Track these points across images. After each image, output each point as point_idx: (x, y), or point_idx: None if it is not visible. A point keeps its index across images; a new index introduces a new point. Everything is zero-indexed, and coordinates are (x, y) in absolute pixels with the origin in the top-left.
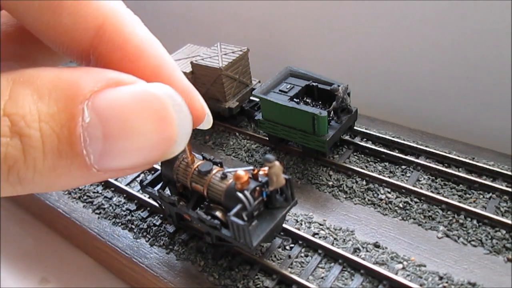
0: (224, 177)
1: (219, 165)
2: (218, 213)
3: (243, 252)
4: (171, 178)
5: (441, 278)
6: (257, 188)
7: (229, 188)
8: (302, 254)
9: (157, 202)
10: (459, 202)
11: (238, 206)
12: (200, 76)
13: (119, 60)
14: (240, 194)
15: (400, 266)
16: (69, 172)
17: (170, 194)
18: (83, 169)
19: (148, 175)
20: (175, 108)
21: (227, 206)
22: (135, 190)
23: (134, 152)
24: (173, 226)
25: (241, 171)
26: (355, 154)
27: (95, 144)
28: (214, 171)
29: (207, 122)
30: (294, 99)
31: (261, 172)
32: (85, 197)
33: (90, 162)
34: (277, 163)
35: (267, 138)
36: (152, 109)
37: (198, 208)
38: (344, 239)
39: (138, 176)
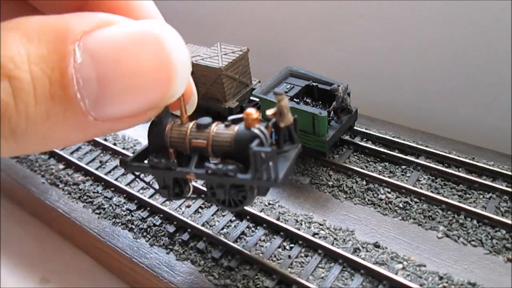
0: (229, 124)
1: None
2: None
3: (243, 252)
4: (162, 145)
5: (441, 278)
6: (269, 125)
7: (239, 131)
8: (302, 254)
9: (148, 184)
10: (459, 202)
11: (256, 142)
12: (200, 76)
13: (109, 10)
14: (254, 129)
15: (400, 266)
16: (64, 121)
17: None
18: (79, 117)
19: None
20: (172, 44)
21: (238, 152)
22: (135, 190)
23: (131, 93)
24: (173, 226)
25: (250, 109)
26: (355, 154)
27: (89, 86)
28: (215, 124)
29: (191, 105)
30: (294, 99)
31: (268, 112)
32: (85, 197)
33: (85, 107)
34: (285, 97)
35: None
36: (148, 45)
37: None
38: (344, 239)
39: (138, 176)
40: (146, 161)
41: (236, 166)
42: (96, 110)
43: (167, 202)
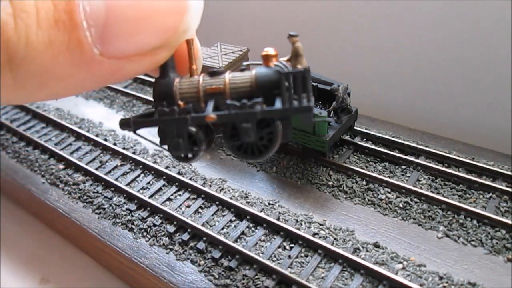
0: (244, 69)
1: None
2: None
3: (243, 252)
4: (169, 99)
5: (441, 278)
6: (289, 63)
7: (259, 70)
8: (302, 254)
9: (154, 142)
10: (459, 202)
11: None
12: None
13: None
14: (277, 63)
15: (400, 266)
16: (67, 51)
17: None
18: (84, 49)
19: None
20: None
21: (260, 92)
22: (135, 190)
23: (141, 24)
24: (173, 226)
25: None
26: (355, 154)
27: (96, 14)
28: (228, 71)
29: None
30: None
31: (283, 58)
32: (85, 197)
33: (91, 39)
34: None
35: None
36: None
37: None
38: (344, 239)
39: (138, 176)
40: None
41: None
42: (103, 42)
43: (167, 202)
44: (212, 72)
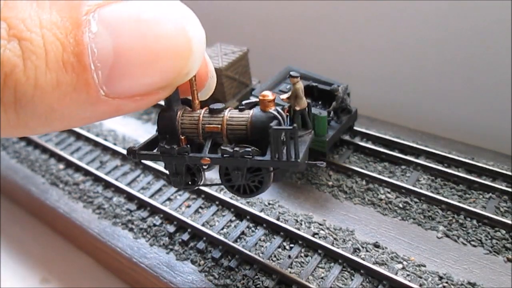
0: (243, 109)
1: None
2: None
3: (243, 252)
4: (172, 132)
5: (441, 278)
6: (285, 107)
7: (255, 114)
8: (302, 254)
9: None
10: (459, 202)
11: (274, 122)
12: None
13: None
14: (271, 110)
15: (400, 266)
16: (74, 92)
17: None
18: (90, 90)
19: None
20: (190, 19)
21: (255, 135)
22: (135, 190)
23: (147, 67)
24: (173, 226)
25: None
26: (355, 154)
27: (104, 57)
28: (228, 109)
29: (209, 89)
30: None
31: (283, 97)
32: (85, 197)
33: (98, 80)
34: (300, 79)
35: None
36: (167, 19)
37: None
38: (344, 239)
39: (138, 176)
40: (155, 150)
41: (253, 148)
42: (109, 83)
43: (167, 202)
44: (212, 109)
